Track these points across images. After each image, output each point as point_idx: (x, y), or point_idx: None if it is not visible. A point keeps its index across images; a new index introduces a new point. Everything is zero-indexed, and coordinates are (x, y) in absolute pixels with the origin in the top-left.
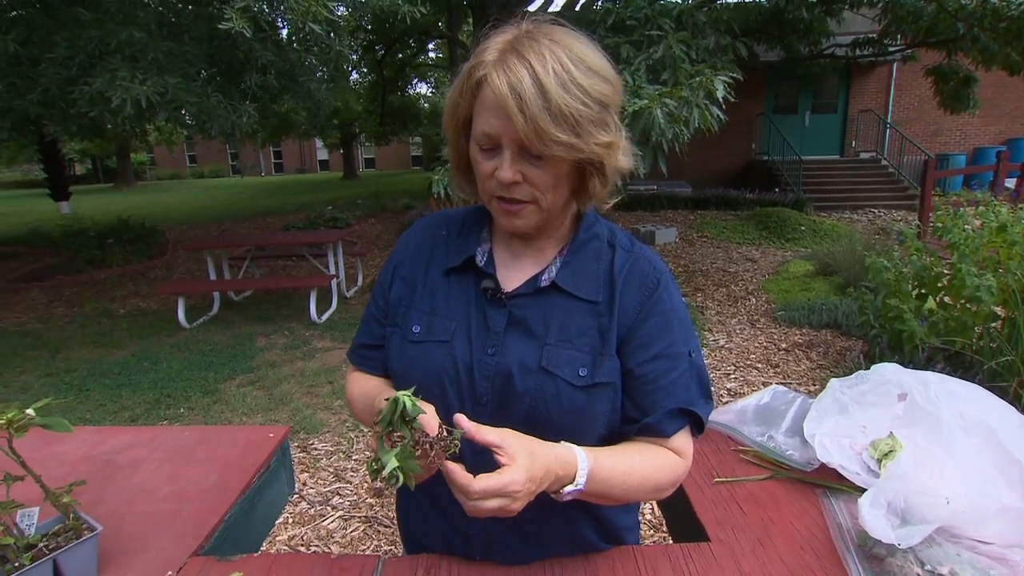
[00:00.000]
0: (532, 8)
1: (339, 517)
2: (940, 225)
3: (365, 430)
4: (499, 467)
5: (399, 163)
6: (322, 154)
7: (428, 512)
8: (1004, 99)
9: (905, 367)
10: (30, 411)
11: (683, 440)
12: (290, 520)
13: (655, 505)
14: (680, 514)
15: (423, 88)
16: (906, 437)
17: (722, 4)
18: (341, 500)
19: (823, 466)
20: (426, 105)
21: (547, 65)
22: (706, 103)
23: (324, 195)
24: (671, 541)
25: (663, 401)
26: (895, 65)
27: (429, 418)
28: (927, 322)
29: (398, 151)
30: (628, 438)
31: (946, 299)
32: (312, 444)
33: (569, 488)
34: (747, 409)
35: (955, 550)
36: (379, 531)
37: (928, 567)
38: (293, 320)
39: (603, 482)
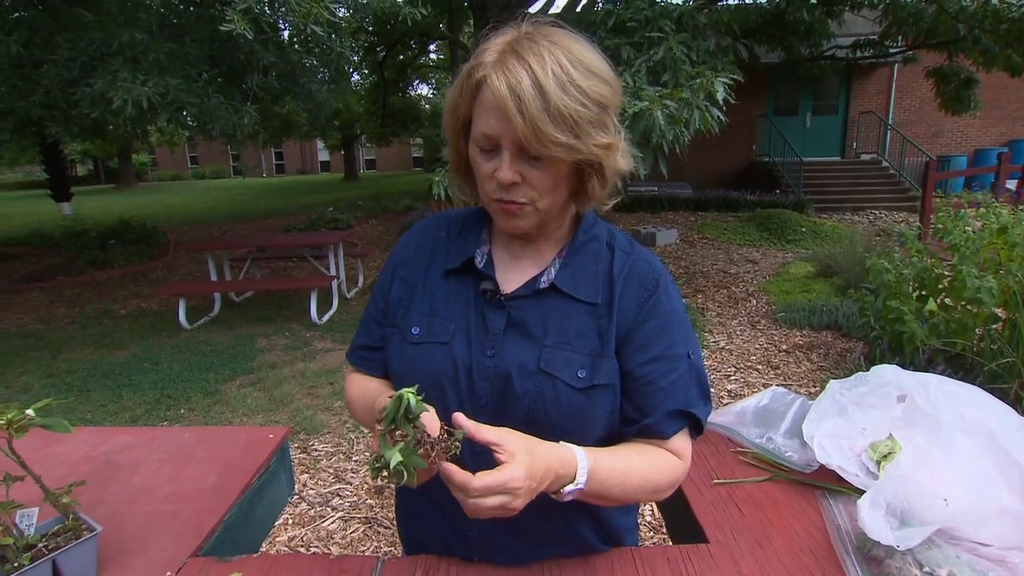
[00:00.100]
0: (533, 9)
1: (339, 518)
2: (941, 227)
3: (365, 431)
4: (499, 466)
5: (400, 164)
6: (323, 155)
7: (427, 513)
8: (1005, 101)
9: (905, 369)
10: (30, 411)
11: (682, 442)
12: (290, 521)
13: (655, 506)
14: (679, 515)
15: (424, 89)
16: (905, 439)
17: (723, 6)
18: (341, 501)
19: (822, 468)
20: (427, 106)
21: (546, 66)
22: (706, 105)
23: (325, 196)
24: (671, 542)
25: (662, 403)
26: (896, 67)
27: (431, 419)
28: (928, 324)
29: (399, 152)
30: (627, 439)
31: (947, 301)
32: (312, 445)
33: (570, 487)
34: (746, 411)
35: (954, 552)
36: (379, 532)
37: (927, 569)
38: (294, 321)
39: (602, 482)
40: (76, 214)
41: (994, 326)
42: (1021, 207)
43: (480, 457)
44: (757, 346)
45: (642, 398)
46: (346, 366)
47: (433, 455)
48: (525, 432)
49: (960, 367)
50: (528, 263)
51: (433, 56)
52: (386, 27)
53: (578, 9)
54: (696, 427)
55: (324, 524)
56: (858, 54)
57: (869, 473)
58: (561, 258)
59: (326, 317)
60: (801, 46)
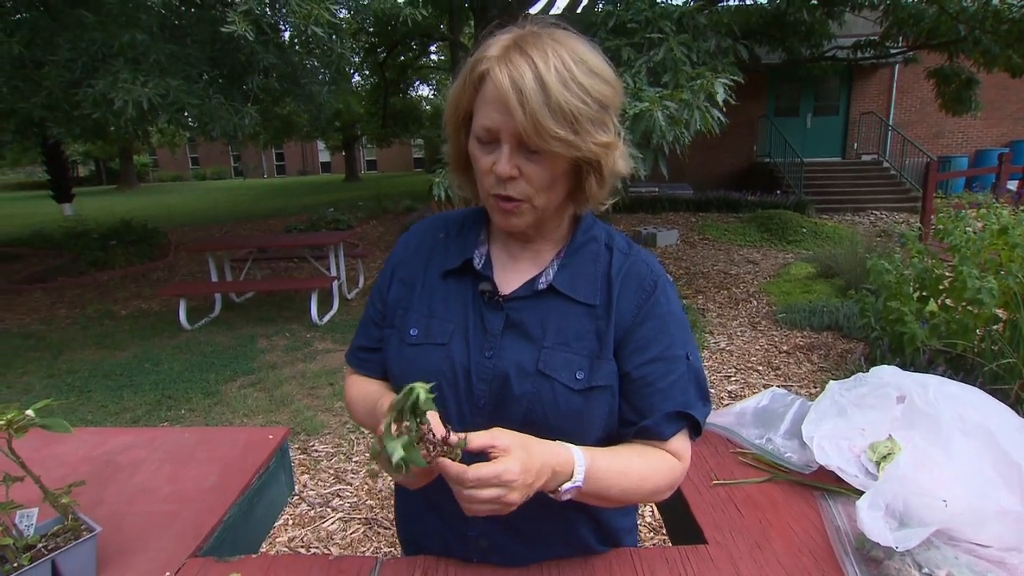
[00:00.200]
0: (534, 10)
1: (339, 519)
2: (942, 227)
3: (366, 432)
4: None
5: (401, 165)
6: (324, 156)
7: (426, 513)
8: (1006, 101)
9: (906, 369)
10: (29, 412)
11: (681, 443)
12: (290, 522)
13: (655, 507)
14: (679, 516)
15: (425, 90)
16: (905, 439)
17: (723, 6)
18: (341, 502)
19: (821, 468)
20: (428, 107)
21: (549, 62)
22: (707, 106)
23: (326, 197)
24: (671, 543)
25: (661, 404)
26: (897, 67)
27: (435, 420)
28: (928, 324)
29: (400, 153)
30: (625, 441)
31: (947, 301)
32: (312, 446)
33: (567, 486)
34: (746, 411)
35: (953, 553)
36: (379, 533)
37: (926, 570)
38: (294, 322)
39: (600, 481)
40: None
41: (995, 327)
42: (1022, 208)
43: (481, 459)
44: (758, 347)
45: (640, 399)
46: (346, 367)
47: (434, 454)
48: (523, 433)
49: (961, 368)
50: (526, 264)
51: (434, 57)
52: (387, 28)
53: (579, 10)
54: (695, 428)
55: (324, 525)
56: (859, 55)
57: (868, 474)
58: (559, 259)
59: (327, 318)
60: (802, 47)
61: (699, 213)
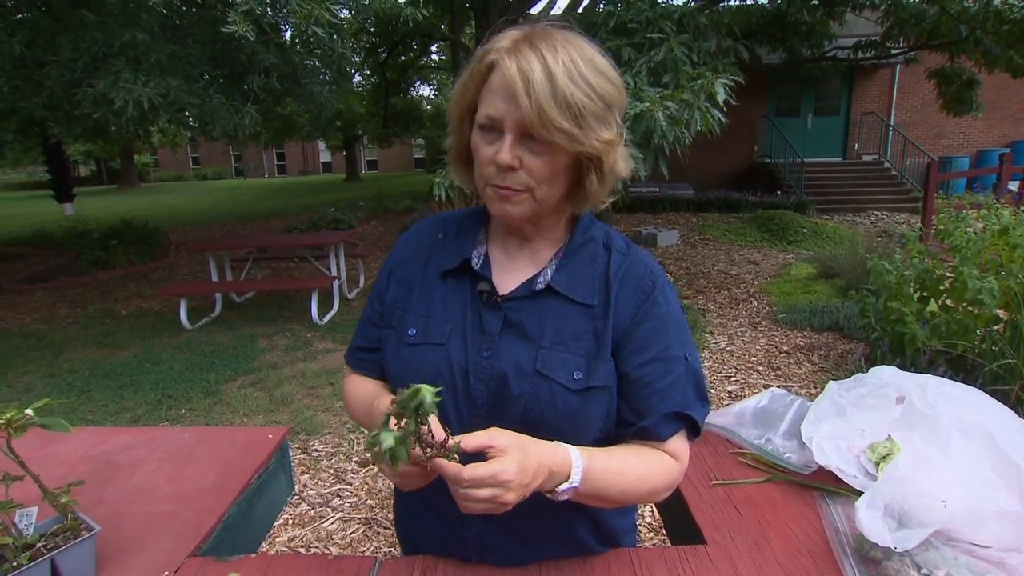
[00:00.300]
0: (534, 11)
1: (339, 519)
2: (942, 228)
3: (365, 432)
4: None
5: (401, 165)
6: (325, 156)
7: (424, 514)
8: (1007, 102)
9: (906, 370)
10: (29, 411)
11: (679, 443)
12: (290, 521)
13: (655, 508)
14: (678, 516)
15: (426, 90)
16: (904, 440)
17: (724, 7)
18: (341, 502)
19: (821, 469)
20: (429, 107)
21: (558, 57)
22: (707, 106)
23: (326, 197)
24: (670, 544)
25: (659, 404)
26: (898, 67)
27: (437, 423)
28: (928, 325)
29: (400, 153)
30: (624, 441)
31: (948, 302)
32: (313, 445)
33: (564, 486)
34: (745, 412)
35: (952, 554)
36: (379, 533)
37: (925, 571)
38: (295, 321)
39: (597, 481)
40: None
41: (995, 327)
42: (1023, 208)
43: (478, 458)
44: (758, 347)
45: (639, 400)
46: (345, 367)
47: (430, 454)
48: (521, 433)
49: (961, 368)
50: (525, 264)
51: (435, 57)
52: (388, 28)
53: (579, 10)
54: (693, 429)
55: (324, 524)
56: (860, 55)
57: (867, 474)
58: (558, 259)
59: (327, 317)
60: (802, 47)
61: (700, 213)
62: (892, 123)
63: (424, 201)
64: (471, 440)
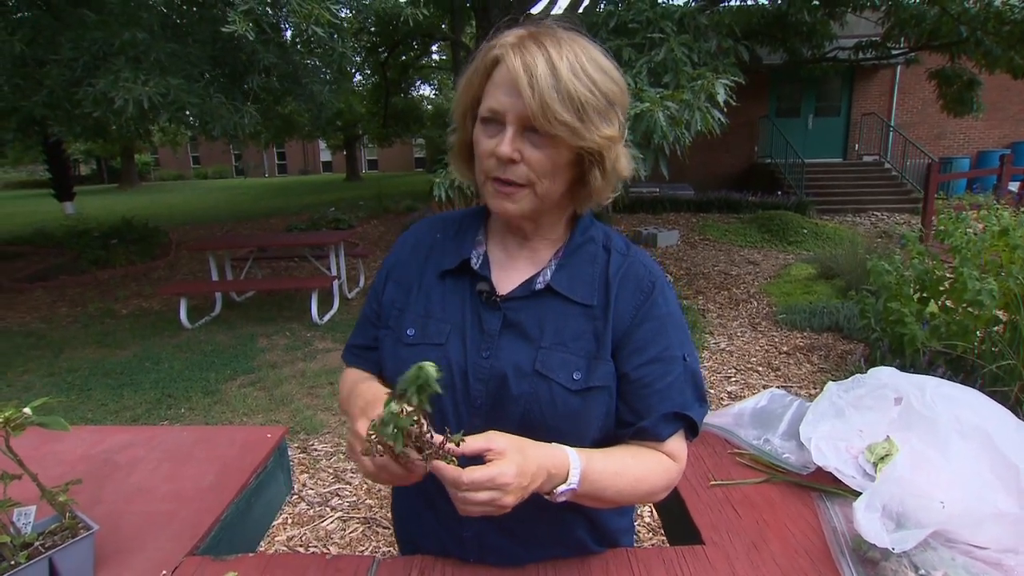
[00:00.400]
0: (535, 11)
1: (338, 518)
2: (942, 228)
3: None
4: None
5: (402, 165)
6: (325, 155)
7: (423, 513)
8: (1008, 102)
9: (906, 371)
10: (27, 410)
11: (677, 444)
12: (289, 521)
13: (653, 508)
14: (676, 517)
15: (426, 90)
16: (902, 441)
17: (724, 7)
18: (340, 501)
19: (819, 469)
20: (429, 107)
21: (562, 53)
22: (708, 106)
23: (327, 196)
24: (668, 544)
25: (658, 405)
26: (898, 68)
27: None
28: (928, 326)
29: (401, 153)
30: (622, 441)
31: (948, 303)
32: (312, 445)
33: (562, 488)
34: (744, 412)
35: (950, 554)
36: (378, 532)
37: (923, 571)
38: (294, 321)
39: (595, 483)
40: (79, 213)
41: (995, 328)
42: (1023, 209)
43: (477, 461)
44: (758, 348)
45: (638, 400)
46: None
47: (428, 453)
48: (520, 434)
49: (961, 369)
50: (524, 264)
51: (435, 57)
52: (388, 28)
53: (580, 10)
54: (691, 429)
55: (323, 524)
56: (860, 55)
57: (866, 475)
58: (557, 259)
59: (327, 317)
60: (803, 47)
61: (700, 214)
62: (892, 124)
63: (424, 201)
64: (470, 443)
